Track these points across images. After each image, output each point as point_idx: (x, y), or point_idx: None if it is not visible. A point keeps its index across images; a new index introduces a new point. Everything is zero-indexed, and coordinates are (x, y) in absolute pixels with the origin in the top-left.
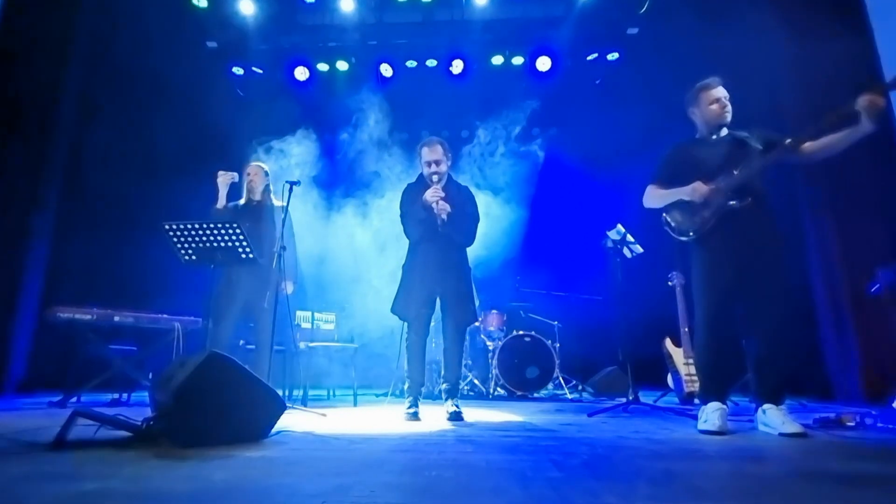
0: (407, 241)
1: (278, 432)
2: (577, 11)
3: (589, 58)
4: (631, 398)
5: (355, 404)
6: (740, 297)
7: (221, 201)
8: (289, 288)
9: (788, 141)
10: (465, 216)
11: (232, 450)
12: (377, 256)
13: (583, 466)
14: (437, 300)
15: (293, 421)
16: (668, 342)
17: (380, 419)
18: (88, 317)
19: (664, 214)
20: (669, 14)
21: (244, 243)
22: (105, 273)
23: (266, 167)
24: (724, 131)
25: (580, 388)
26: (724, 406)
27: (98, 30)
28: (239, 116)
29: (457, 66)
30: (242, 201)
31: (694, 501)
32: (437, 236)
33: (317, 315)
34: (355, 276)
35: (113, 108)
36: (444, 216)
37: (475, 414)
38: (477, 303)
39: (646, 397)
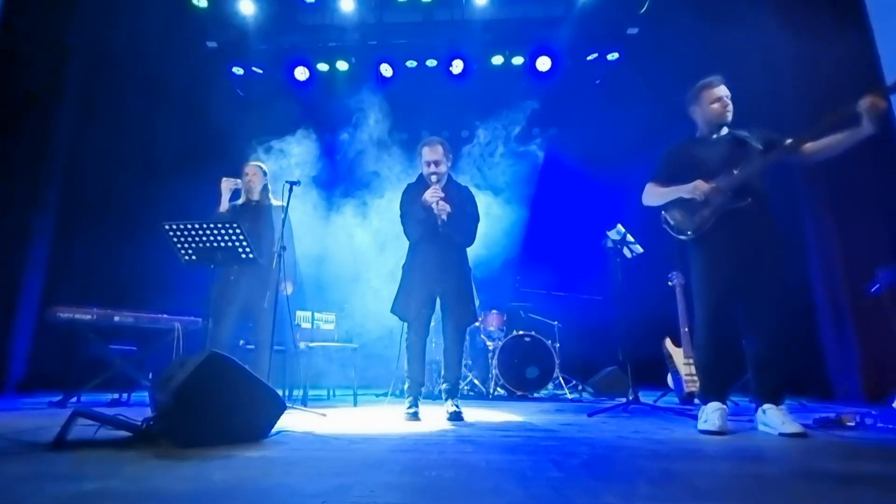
0: (407, 241)
1: (278, 432)
2: (577, 11)
3: (589, 58)
4: (631, 398)
5: (355, 404)
6: (740, 297)
7: (224, 206)
8: (288, 289)
9: (789, 141)
10: (465, 216)
11: (232, 450)
12: (377, 256)
13: (583, 466)
14: (437, 300)
15: (293, 421)
16: (668, 342)
17: (380, 419)
18: (88, 317)
19: (663, 213)
20: (669, 14)
21: (244, 243)
22: (105, 273)
23: (264, 167)
24: (725, 130)
25: (580, 388)
26: (724, 406)
27: (98, 30)
28: (239, 116)
29: (457, 66)
30: (241, 201)
31: (694, 501)
32: (437, 236)
33: (316, 315)
34: (355, 276)
35: (113, 108)
36: (444, 216)
37: (475, 414)
38: (477, 303)
39: (646, 397)
